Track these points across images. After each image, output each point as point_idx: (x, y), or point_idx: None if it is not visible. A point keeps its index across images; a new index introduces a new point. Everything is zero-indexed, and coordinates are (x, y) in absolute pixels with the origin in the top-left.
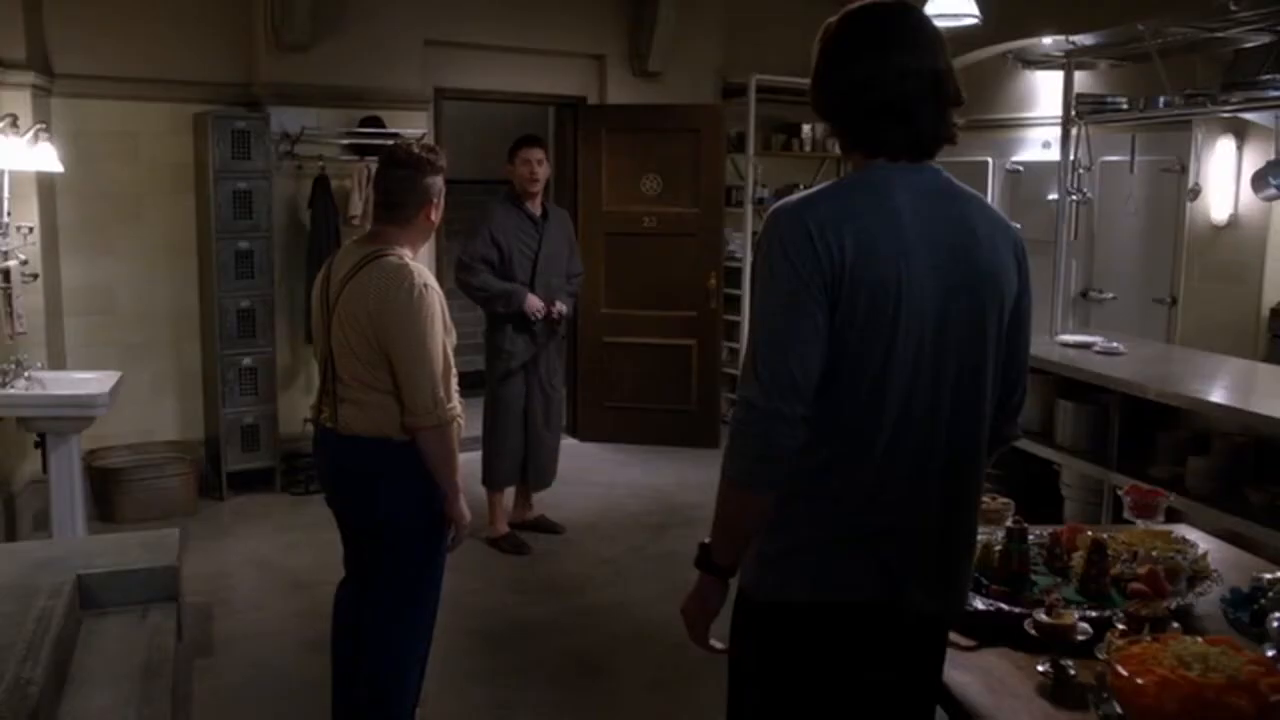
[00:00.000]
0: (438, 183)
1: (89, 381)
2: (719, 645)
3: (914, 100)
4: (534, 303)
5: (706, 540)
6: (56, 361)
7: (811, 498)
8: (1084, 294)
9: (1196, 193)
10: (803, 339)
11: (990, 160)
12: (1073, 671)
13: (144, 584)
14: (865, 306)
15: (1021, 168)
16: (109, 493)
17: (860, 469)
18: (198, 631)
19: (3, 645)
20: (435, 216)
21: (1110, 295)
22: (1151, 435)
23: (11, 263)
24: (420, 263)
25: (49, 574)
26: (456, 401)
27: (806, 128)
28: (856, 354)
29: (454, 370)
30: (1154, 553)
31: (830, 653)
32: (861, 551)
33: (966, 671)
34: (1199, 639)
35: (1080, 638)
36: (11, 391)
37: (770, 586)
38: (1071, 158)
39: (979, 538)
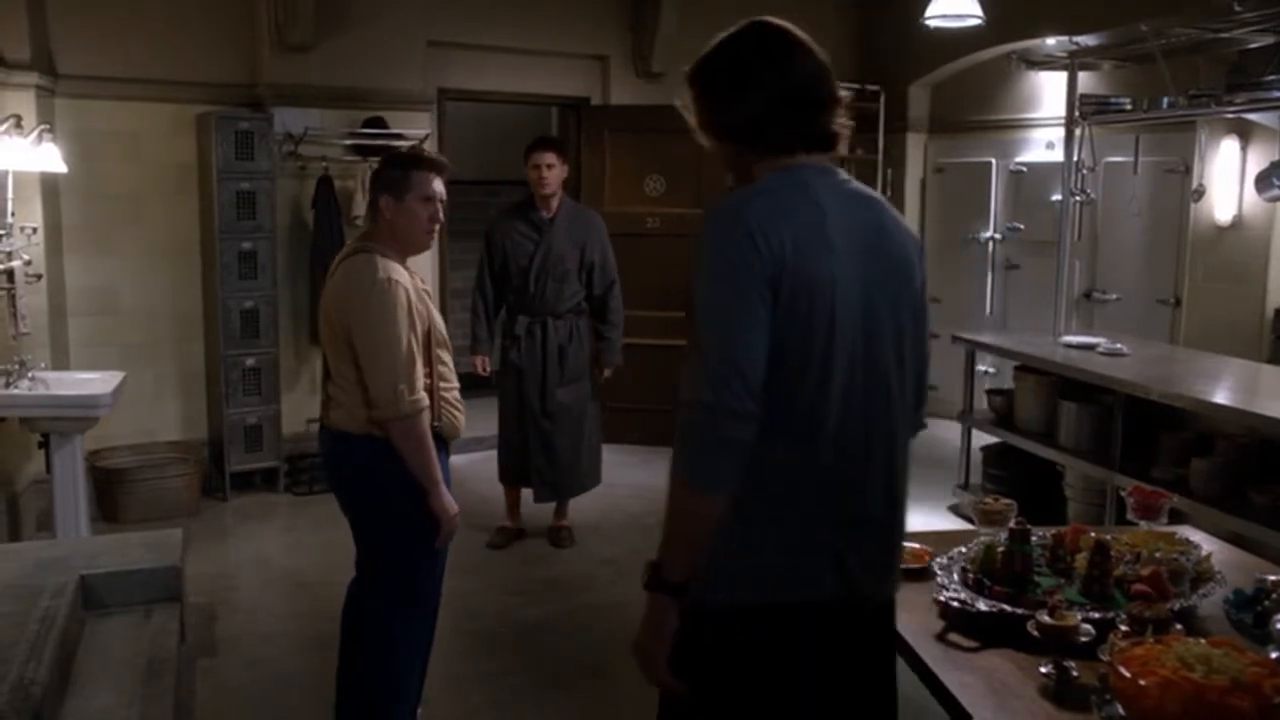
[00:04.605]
0: (394, 176)
1: (92, 382)
2: (678, 681)
3: (815, 99)
4: (476, 361)
5: (653, 559)
6: (60, 362)
7: (764, 497)
8: (1087, 295)
9: (1200, 193)
10: (748, 336)
11: (994, 161)
12: (1075, 673)
13: (147, 584)
14: (805, 302)
15: (1025, 168)
16: (112, 493)
17: (810, 464)
18: (201, 632)
19: (6, 645)
20: (398, 213)
21: (1114, 296)
22: (1155, 436)
23: (15, 263)
24: (423, 263)
25: (52, 574)
26: (422, 394)
27: None
28: (799, 349)
29: (446, 365)
30: (1157, 554)
31: (792, 655)
32: (818, 547)
33: (969, 673)
34: (1202, 641)
35: (1083, 639)
36: (15, 392)
37: (729, 593)
38: (1075, 158)
39: (982, 538)
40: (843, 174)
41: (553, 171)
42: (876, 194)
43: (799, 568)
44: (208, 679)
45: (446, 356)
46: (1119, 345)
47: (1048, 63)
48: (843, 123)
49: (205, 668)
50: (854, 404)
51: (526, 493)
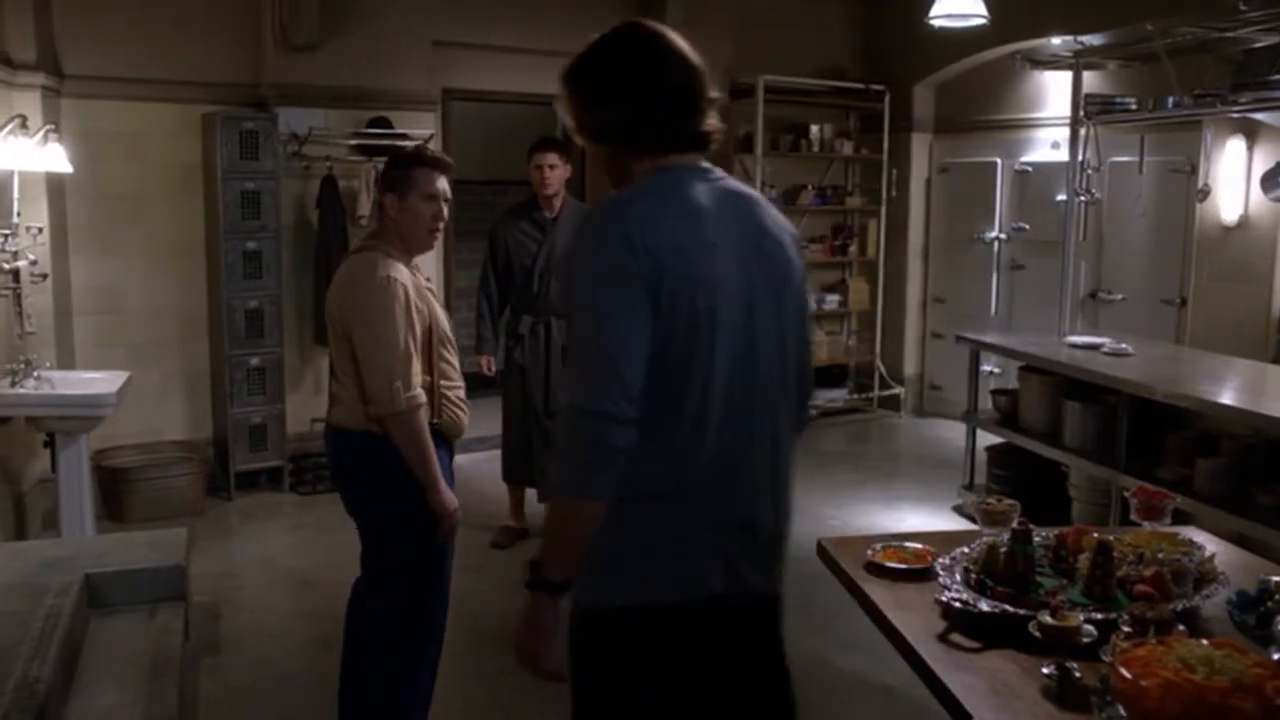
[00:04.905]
0: (398, 175)
1: (97, 381)
2: (560, 671)
3: (687, 101)
4: (480, 361)
5: (534, 559)
6: (66, 361)
7: (653, 498)
8: (1093, 295)
9: (1206, 193)
10: (627, 341)
11: (999, 161)
12: (1078, 674)
13: (151, 583)
14: (686, 302)
15: (1030, 168)
16: (117, 492)
17: (696, 464)
18: (205, 630)
19: (11, 643)
20: (401, 212)
21: (1119, 296)
22: (1160, 437)
23: (21, 263)
24: (428, 262)
25: (57, 573)
26: (419, 391)
27: (815, 128)
28: (681, 351)
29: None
30: (1160, 555)
31: (686, 650)
32: (707, 546)
33: (970, 673)
34: (1204, 642)
35: (1085, 640)
36: (20, 391)
37: (617, 593)
38: (1080, 158)
39: (985, 539)
40: (718, 172)
41: (555, 172)
42: (753, 191)
43: (689, 567)
44: (212, 678)
45: (450, 355)
46: (1124, 345)
47: (1053, 62)
48: (714, 124)
49: (209, 666)
50: (738, 402)
51: (530, 493)
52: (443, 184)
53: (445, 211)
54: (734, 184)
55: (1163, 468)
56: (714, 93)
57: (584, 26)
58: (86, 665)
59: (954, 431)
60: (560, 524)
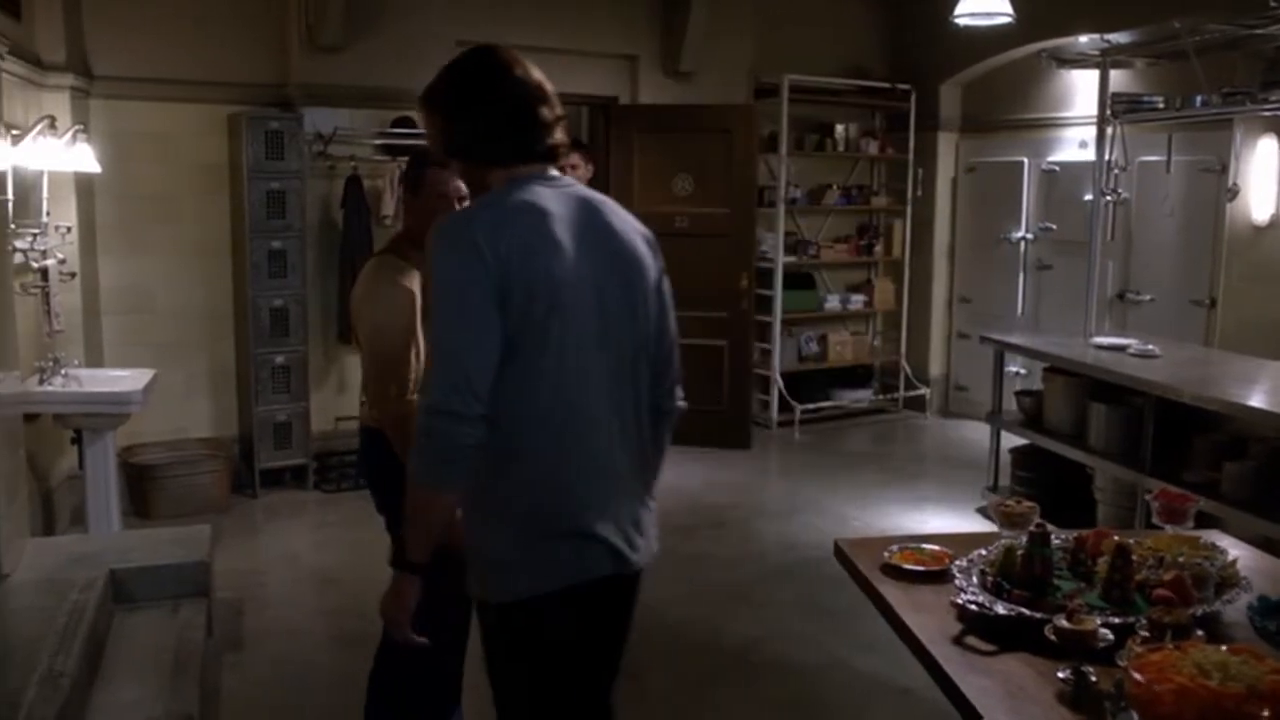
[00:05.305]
0: (413, 174)
1: (123, 379)
2: (421, 638)
3: (531, 117)
4: None
5: (399, 537)
6: (94, 359)
7: (521, 494)
8: (1120, 296)
9: (1235, 193)
10: (476, 341)
11: (1025, 160)
12: (1094, 678)
13: (175, 579)
14: (537, 301)
15: (1057, 168)
16: (144, 489)
17: (562, 454)
18: (228, 627)
19: (36, 638)
20: (416, 211)
21: (1148, 297)
22: (1187, 439)
23: (50, 262)
24: None
25: (83, 568)
26: (414, 396)
27: (840, 128)
28: (535, 346)
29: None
30: (1180, 559)
31: (574, 630)
32: (582, 532)
33: (985, 676)
34: (1223, 648)
35: (1101, 644)
36: (49, 388)
37: (508, 589)
38: (1107, 158)
39: (1003, 541)
40: (567, 180)
41: (577, 172)
42: (601, 196)
43: (569, 554)
44: (234, 674)
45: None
46: (1150, 346)
47: (1079, 61)
48: (560, 138)
49: (232, 663)
50: (594, 393)
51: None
52: (457, 183)
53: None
54: (583, 190)
55: (1189, 471)
56: (558, 111)
57: (605, 26)
58: (110, 660)
59: (979, 432)
60: (417, 512)
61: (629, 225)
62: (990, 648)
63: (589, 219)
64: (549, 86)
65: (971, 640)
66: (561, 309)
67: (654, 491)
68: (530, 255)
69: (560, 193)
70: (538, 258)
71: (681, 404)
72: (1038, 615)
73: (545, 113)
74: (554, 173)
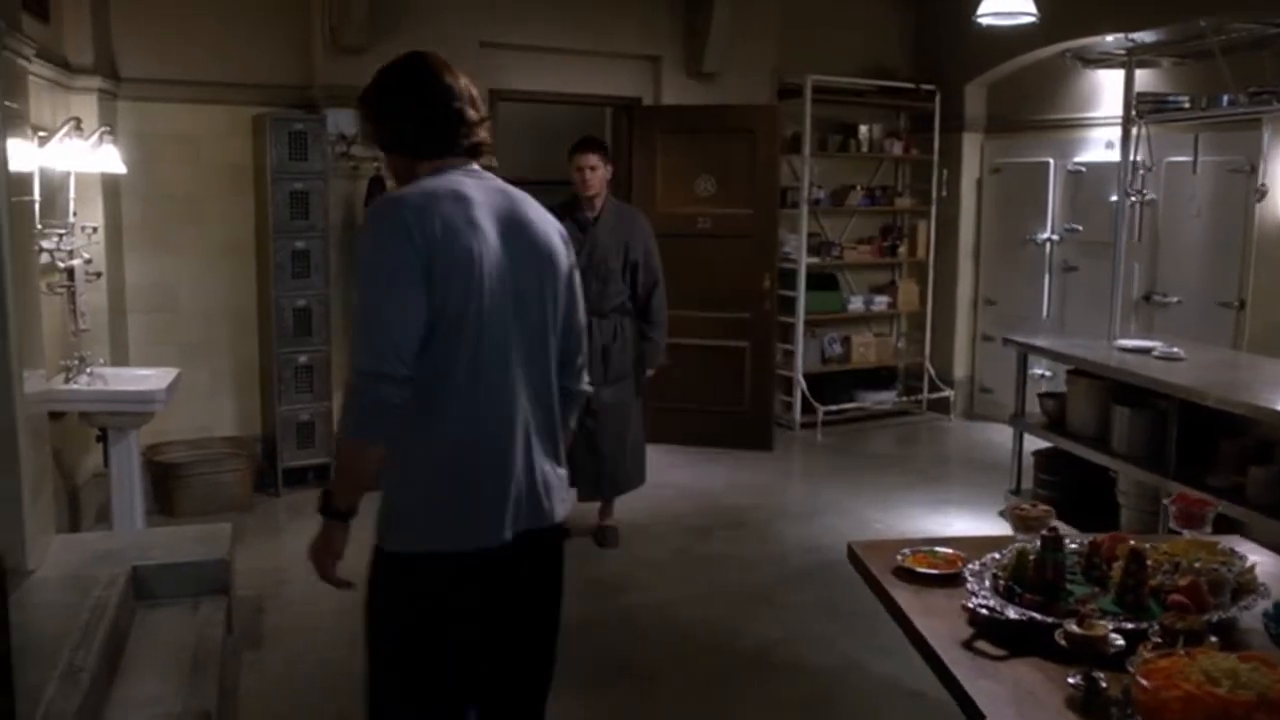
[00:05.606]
0: None
1: (147, 378)
2: (347, 579)
3: (454, 116)
4: None
5: (326, 488)
6: (120, 358)
7: (437, 453)
8: (1147, 297)
9: (1264, 193)
10: (402, 311)
11: (1051, 161)
12: (1104, 684)
13: (196, 577)
14: (456, 275)
15: (1084, 168)
16: (168, 487)
17: (473, 421)
18: (248, 624)
19: (59, 634)
20: None
21: (1175, 299)
22: (1213, 443)
23: (76, 262)
24: None
25: (106, 565)
26: None
27: (864, 128)
28: (451, 320)
29: None
30: (1197, 564)
31: (470, 591)
32: (488, 499)
33: (995, 681)
34: (1234, 655)
35: (1112, 650)
36: (74, 387)
37: (412, 541)
38: (1132, 158)
39: (1015, 545)
40: (488, 174)
41: (595, 173)
42: (519, 191)
43: (474, 518)
44: (253, 671)
45: None
46: (1175, 349)
47: (1104, 60)
48: (484, 136)
49: (251, 660)
50: (509, 366)
51: (572, 491)
52: None
53: None
54: (501, 183)
55: (1214, 475)
56: (483, 113)
57: (631, 27)
58: (131, 656)
59: (1004, 435)
60: (346, 464)
61: (544, 218)
62: (1001, 652)
63: (508, 209)
64: (474, 91)
65: (982, 645)
66: (479, 280)
67: (562, 462)
68: (451, 233)
69: (481, 184)
70: (459, 236)
71: (587, 387)
72: (1049, 620)
73: (470, 113)
74: (475, 166)
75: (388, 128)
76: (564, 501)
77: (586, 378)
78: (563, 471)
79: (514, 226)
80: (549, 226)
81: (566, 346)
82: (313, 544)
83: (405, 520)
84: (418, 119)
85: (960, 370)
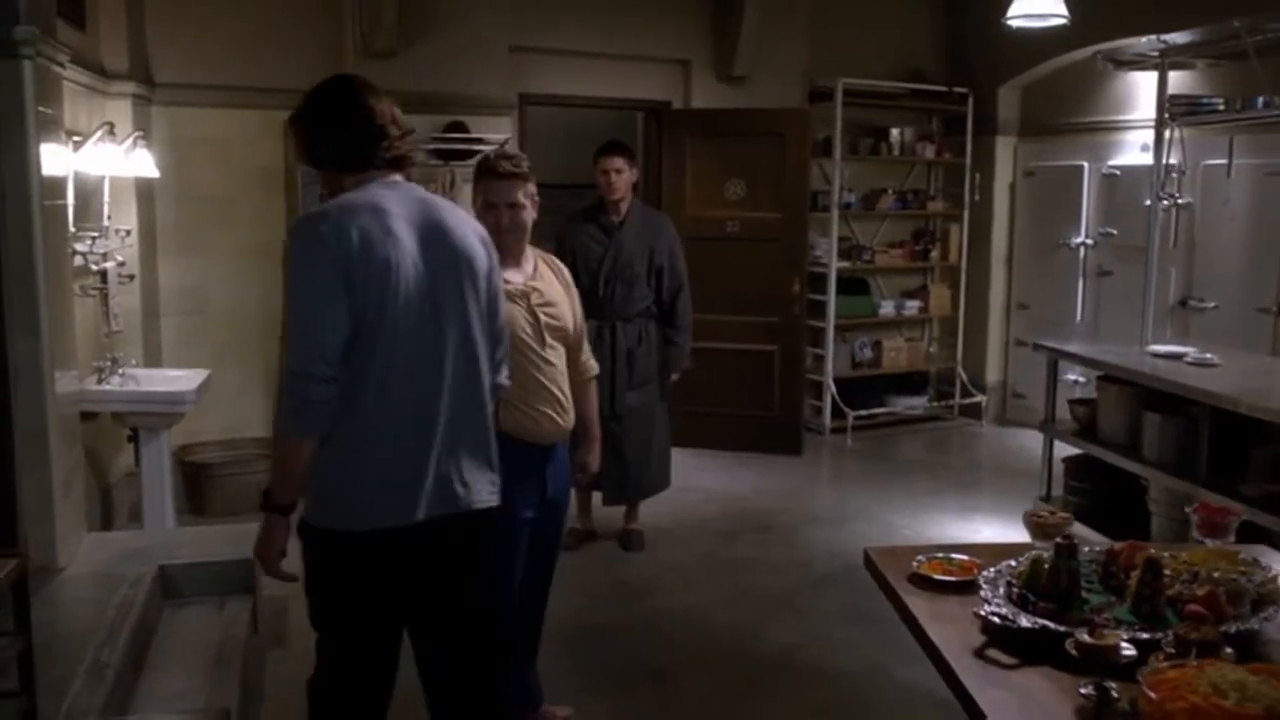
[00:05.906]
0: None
1: (178, 379)
2: (291, 573)
3: (375, 133)
4: None
5: (265, 488)
6: (153, 359)
7: (360, 443)
8: (1183, 303)
9: None
10: (326, 316)
11: (1085, 164)
12: (1116, 695)
13: (222, 576)
14: (375, 282)
15: (1118, 172)
16: (199, 487)
17: (392, 414)
18: (273, 623)
19: (85, 630)
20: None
21: (1212, 304)
22: (1246, 451)
23: (109, 264)
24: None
25: (134, 564)
26: None
27: (895, 131)
28: (371, 324)
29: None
30: (1216, 573)
31: (390, 566)
32: (405, 483)
33: (1005, 690)
34: (1243, 667)
35: (1124, 660)
36: (106, 387)
37: (337, 520)
38: (1165, 161)
39: (1032, 553)
40: (411, 185)
41: (621, 176)
42: (439, 199)
43: (391, 500)
44: (278, 669)
45: (525, 356)
46: (1209, 355)
47: (1137, 62)
48: (406, 148)
49: (276, 659)
50: (428, 364)
51: (596, 495)
52: (506, 191)
53: (511, 218)
54: (423, 193)
55: (1247, 483)
56: (404, 129)
57: (660, 31)
58: (157, 652)
59: (1036, 441)
60: (282, 460)
61: (465, 223)
62: (1013, 661)
63: (426, 217)
64: (397, 112)
65: (994, 653)
66: (395, 285)
67: (489, 452)
68: (369, 243)
69: (401, 195)
70: (376, 244)
71: (505, 382)
72: (1062, 628)
73: (391, 130)
74: (397, 178)
75: (317, 145)
76: (488, 490)
77: (506, 371)
78: (481, 460)
79: (432, 233)
80: (468, 230)
81: (492, 343)
82: (257, 540)
83: (326, 502)
84: (341, 136)
85: (993, 375)
